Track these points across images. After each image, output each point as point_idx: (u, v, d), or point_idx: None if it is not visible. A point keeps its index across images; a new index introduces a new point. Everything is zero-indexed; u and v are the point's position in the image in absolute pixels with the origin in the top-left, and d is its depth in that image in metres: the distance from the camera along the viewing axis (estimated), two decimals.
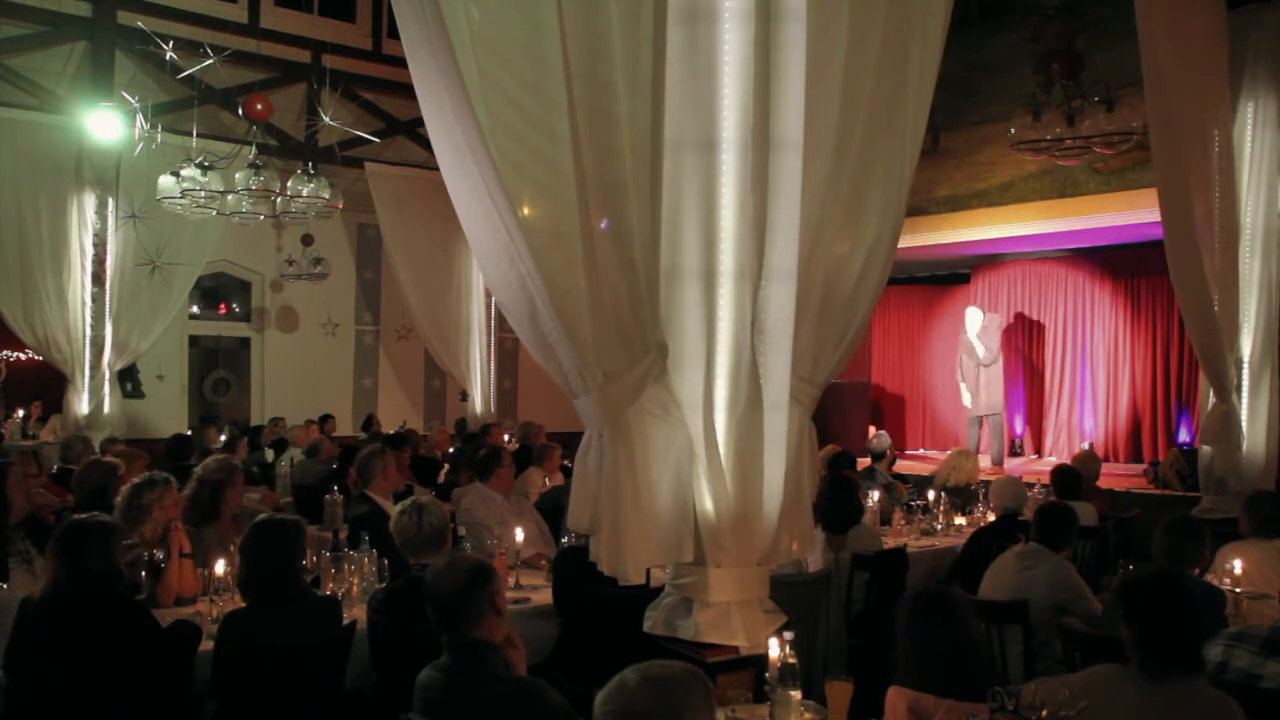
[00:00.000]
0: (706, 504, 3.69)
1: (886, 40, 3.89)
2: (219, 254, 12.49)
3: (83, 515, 4.02)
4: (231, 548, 4.58)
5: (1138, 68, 7.05)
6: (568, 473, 8.51)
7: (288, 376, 13.90)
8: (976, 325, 13.47)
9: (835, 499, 5.73)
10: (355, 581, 4.82)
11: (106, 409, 11.01)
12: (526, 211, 3.48)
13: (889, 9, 3.89)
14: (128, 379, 12.03)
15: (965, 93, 11.54)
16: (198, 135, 9.30)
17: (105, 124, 10.07)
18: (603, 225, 3.54)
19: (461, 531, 5.61)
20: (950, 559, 6.68)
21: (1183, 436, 12.69)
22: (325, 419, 12.29)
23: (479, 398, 13.93)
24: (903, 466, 11.18)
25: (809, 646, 4.90)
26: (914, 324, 16.10)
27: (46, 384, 12.06)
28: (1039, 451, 14.34)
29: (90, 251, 10.77)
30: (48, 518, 5.90)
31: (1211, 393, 7.85)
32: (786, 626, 3.64)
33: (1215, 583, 4.88)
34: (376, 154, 12.70)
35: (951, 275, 15.65)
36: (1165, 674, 2.90)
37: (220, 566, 4.54)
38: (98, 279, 10.82)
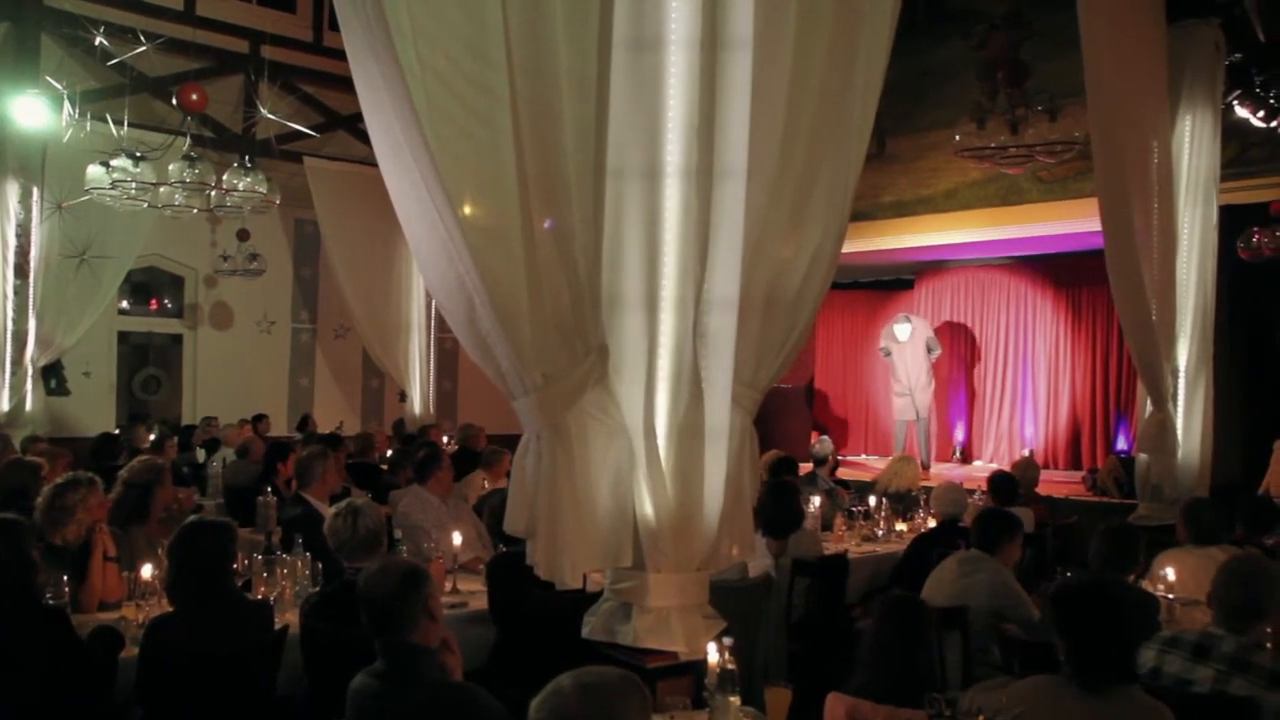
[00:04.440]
0: (646, 508, 3.69)
1: (834, 43, 3.91)
2: (151, 247, 12.26)
3: None
4: (160, 550, 4.50)
5: (1081, 78, 7.19)
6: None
7: (221, 375, 13.68)
8: (924, 331, 13.74)
9: (776, 504, 5.77)
10: (288, 585, 4.77)
11: (29, 406, 10.73)
12: (466, 210, 3.45)
13: (836, 11, 3.92)
14: (52, 375, 11.75)
15: (912, 99, 11.67)
16: (129, 125, 9.10)
17: (30, 110, 9.81)
18: (546, 225, 3.52)
19: (398, 534, 5.57)
20: (891, 565, 6.74)
21: (1121, 444, 12.94)
22: (259, 419, 12.11)
23: (418, 398, 13.84)
24: (845, 472, 11.27)
25: (748, 652, 4.91)
26: (858, 329, 16.25)
27: None
28: (967, 458, 14.63)
29: (13, 242, 10.47)
30: None
31: (1149, 401, 7.98)
32: (726, 632, 3.65)
33: (1150, 589, 4.98)
34: (316, 149, 12.55)
35: (895, 281, 15.84)
36: (1100, 684, 2.97)
37: (147, 570, 4.46)
38: (21, 271, 10.53)
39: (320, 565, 4.86)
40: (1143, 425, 8.12)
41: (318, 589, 4.63)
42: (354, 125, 12.54)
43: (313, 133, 11.26)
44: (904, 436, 13.77)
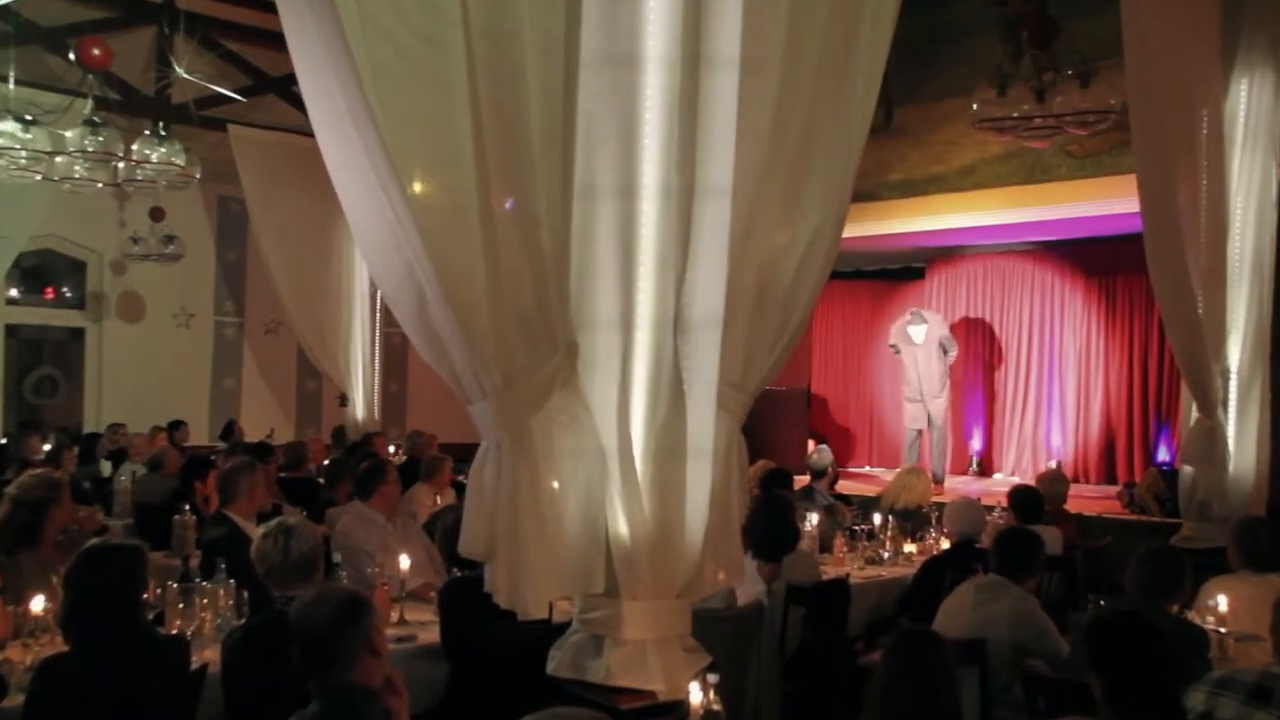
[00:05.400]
0: (620, 527, 3.70)
1: None
2: (46, 227, 12.21)
3: None
4: (55, 579, 4.47)
5: (1118, 37, 7.19)
6: (461, 489, 8.52)
7: (131, 375, 13.64)
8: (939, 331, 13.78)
9: (768, 522, 5.80)
10: (208, 618, 4.75)
11: None
12: (416, 187, 3.46)
13: None
14: None
15: (923, 62, 11.72)
16: (17, 83, 9.03)
17: None
18: (507, 206, 3.53)
19: (337, 558, 5.57)
20: (899, 591, 6.79)
21: (1162, 455, 13.05)
22: (176, 426, 12.07)
23: (360, 402, 13.82)
24: (846, 486, 11.32)
25: (737, 691, 4.94)
26: (861, 324, 16.32)
27: None
28: (985, 470, 14.73)
29: None
30: None
31: (1194, 406, 7.97)
32: (711, 668, 3.66)
33: (1198, 621, 5.01)
34: (242, 115, 12.48)
35: (904, 269, 15.91)
36: None
37: (38, 602, 4.43)
38: None
39: (246, 594, 4.84)
40: (1187, 434, 8.14)
41: (243, 621, 4.62)
42: (286, 88, 12.47)
43: (238, 96, 11.20)
44: (916, 447, 13.81)
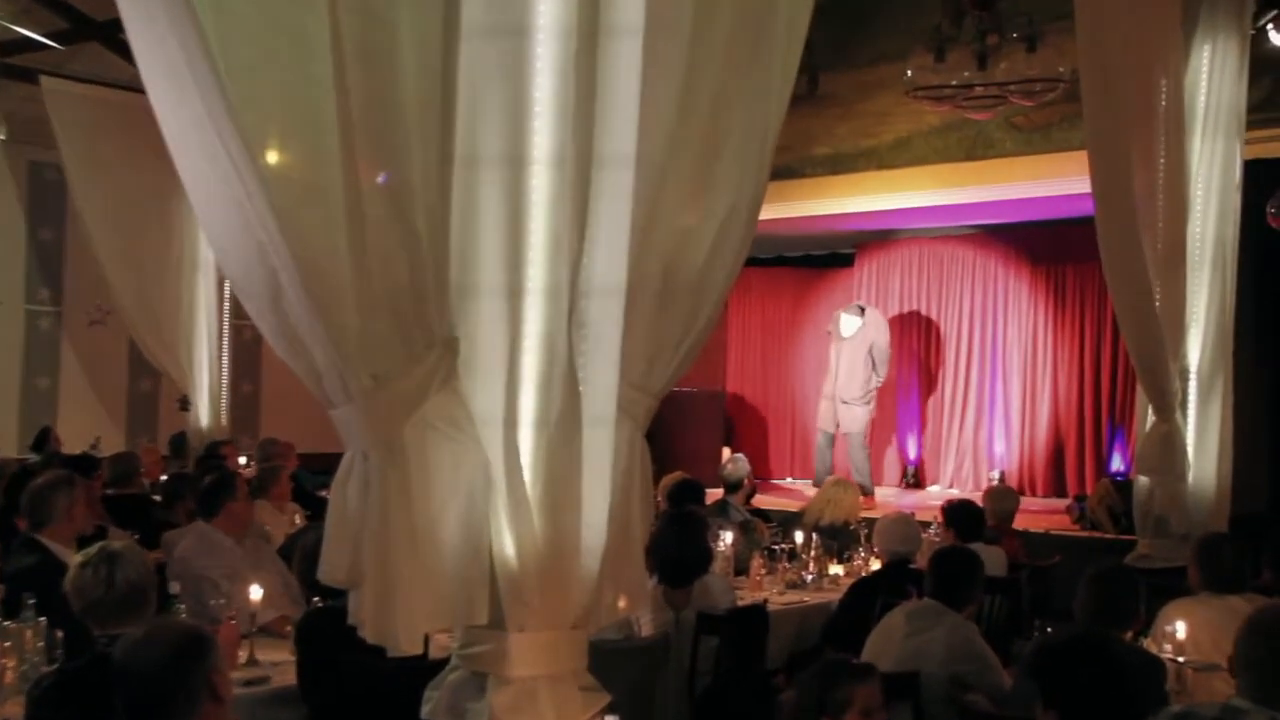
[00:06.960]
0: (507, 548, 3.70)
1: None
2: None
3: None
4: None
5: None
6: (308, 503, 8.48)
7: None
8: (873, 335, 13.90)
9: (676, 541, 5.83)
10: (10, 664, 4.65)
11: None
12: (270, 157, 3.41)
13: None
14: None
15: (853, 23, 11.86)
16: None
17: None
18: (379, 180, 3.50)
19: (174, 588, 5.50)
20: (824, 618, 6.88)
21: (1116, 464, 13.35)
22: None
23: (205, 406, 13.63)
24: (764, 500, 11.42)
25: None
26: (782, 317, 16.46)
27: None
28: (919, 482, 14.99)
29: None
30: None
31: (1150, 410, 8.10)
32: (610, 708, 3.68)
33: (1153, 649, 5.14)
34: (58, 65, 12.22)
35: (831, 256, 16.10)
36: None
37: None
38: None
39: (59, 634, 4.75)
40: (1143, 441, 8.26)
41: (54, 667, 4.52)
42: (112, 35, 12.20)
43: (52, 43, 10.94)
44: (828, 453, 13.86)
